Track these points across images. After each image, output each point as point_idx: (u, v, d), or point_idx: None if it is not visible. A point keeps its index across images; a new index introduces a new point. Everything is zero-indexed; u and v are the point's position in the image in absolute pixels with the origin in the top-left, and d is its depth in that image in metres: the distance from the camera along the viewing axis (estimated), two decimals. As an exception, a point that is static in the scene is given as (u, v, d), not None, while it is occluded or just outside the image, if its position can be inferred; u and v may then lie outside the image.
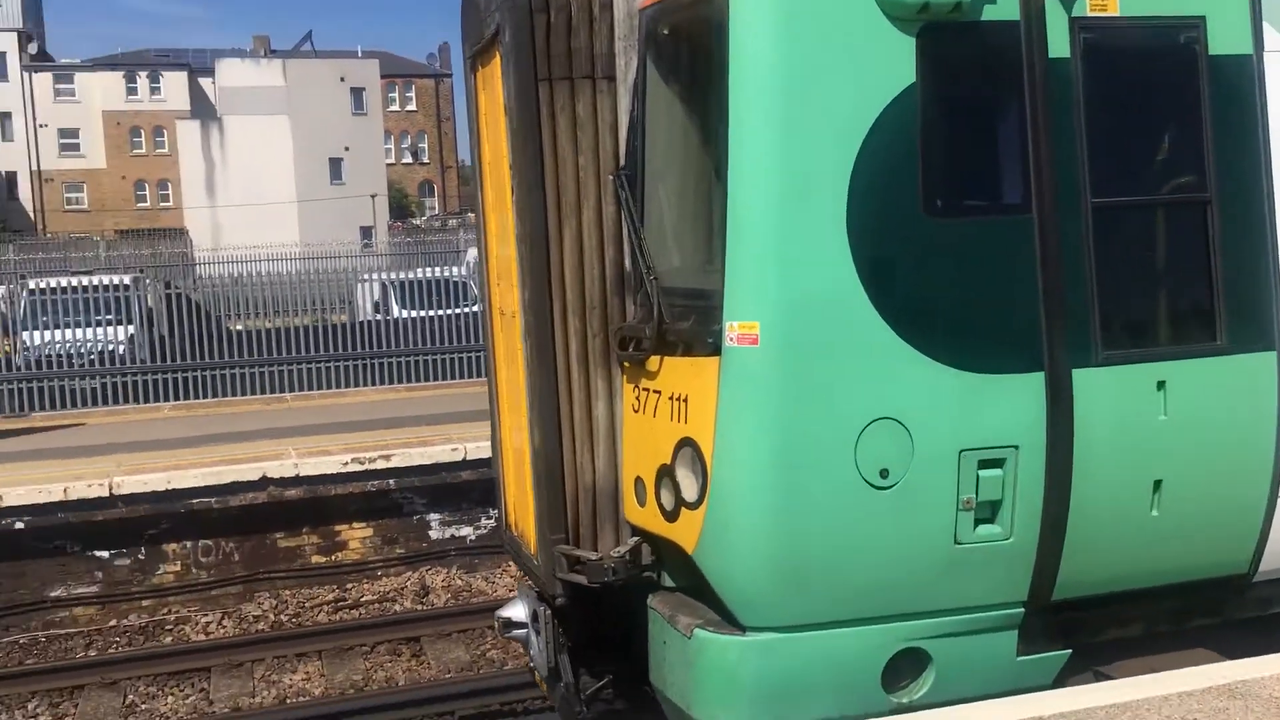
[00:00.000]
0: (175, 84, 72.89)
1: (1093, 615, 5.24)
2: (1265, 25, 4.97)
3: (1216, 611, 5.50)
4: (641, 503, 5.28)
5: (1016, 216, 4.86)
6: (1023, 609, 5.09)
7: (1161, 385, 4.97)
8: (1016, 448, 4.86)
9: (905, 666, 5.05)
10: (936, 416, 4.78)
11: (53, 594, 11.18)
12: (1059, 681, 5.15)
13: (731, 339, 4.68)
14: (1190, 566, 5.23)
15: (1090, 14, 4.86)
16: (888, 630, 4.98)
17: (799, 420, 4.74)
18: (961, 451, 4.81)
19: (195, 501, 11.44)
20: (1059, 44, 4.85)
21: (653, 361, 5.08)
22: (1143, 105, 5.14)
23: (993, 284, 4.86)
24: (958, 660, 5.06)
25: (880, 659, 4.99)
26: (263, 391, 17.82)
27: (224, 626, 10.97)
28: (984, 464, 4.86)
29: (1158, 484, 5.01)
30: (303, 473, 11.71)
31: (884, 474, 4.78)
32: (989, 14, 4.76)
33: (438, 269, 23.01)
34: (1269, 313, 5.06)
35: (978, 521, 4.90)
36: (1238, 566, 5.29)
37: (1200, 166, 5.02)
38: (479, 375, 16.50)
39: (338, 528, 12.05)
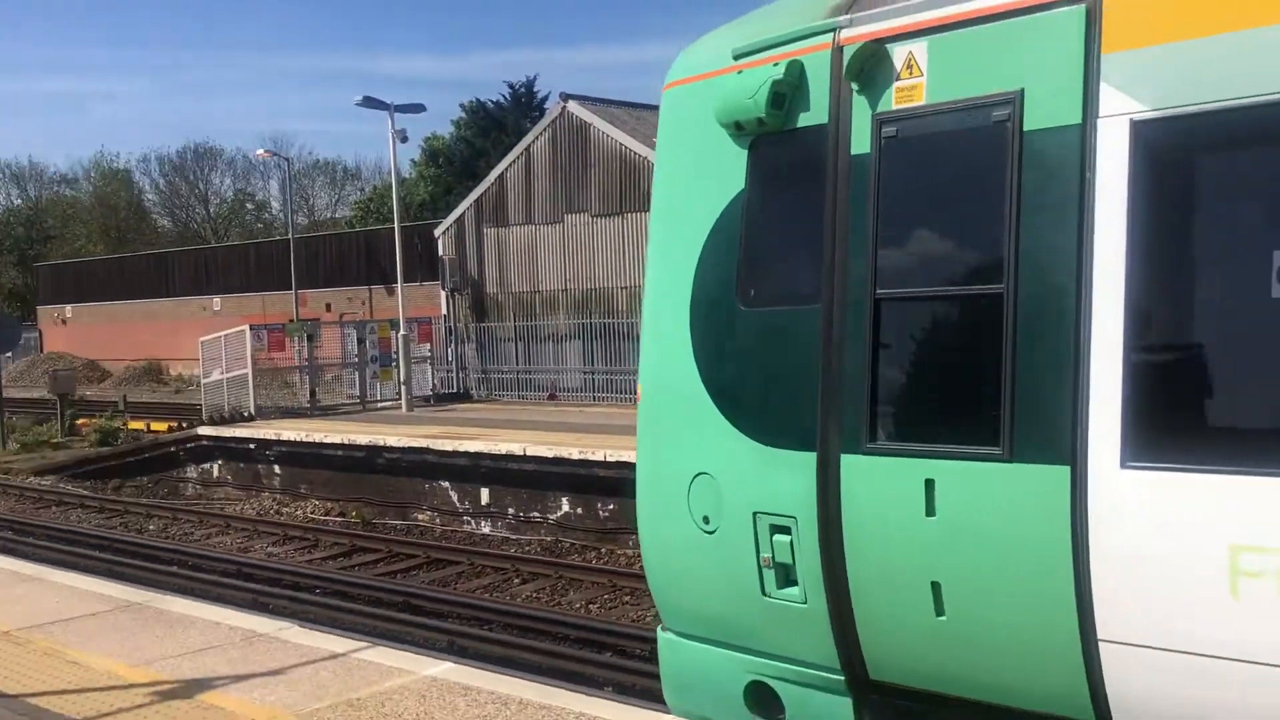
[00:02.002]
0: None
1: (929, 711, 5.10)
2: (1103, 87, 4.37)
3: None
4: None
5: (807, 307, 5.14)
6: (843, 678, 5.23)
7: (930, 484, 4.74)
8: (795, 518, 5.16)
9: (773, 699, 5.46)
10: (737, 479, 5.34)
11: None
12: None
13: (637, 397, 5.87)
14: (1012, 691, 4.78)
15: (894, 108, 4.89)
16: (739, 659, 5.50)
17: (655, 463, 5.75)
18: (755, 513, 5.27)
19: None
20: (861, 141, 4.97)
21: None
22: (941, 194, 4.91)
23: (783, 367, 5.25)
24: (804, 709, 5.41)
25: (738, 681, 5.53)
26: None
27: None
28: (775, 529, 5.24)
29: (936, 586, 4.78)
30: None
31: (706, 520, 5.46)
32: (804, 120, 5.16)
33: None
34: (1064, 421, 4.38)
35: (780, 581, 5.26)
36: (1077, 710, 4.55)
37: (998, 256, 4.58)
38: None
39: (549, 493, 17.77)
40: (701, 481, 5.50)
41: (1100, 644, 4.37)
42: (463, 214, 32.50)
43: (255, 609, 11.52)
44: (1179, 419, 4.28)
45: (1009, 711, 4.81)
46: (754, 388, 5.40)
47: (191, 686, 6.67)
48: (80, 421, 31.02)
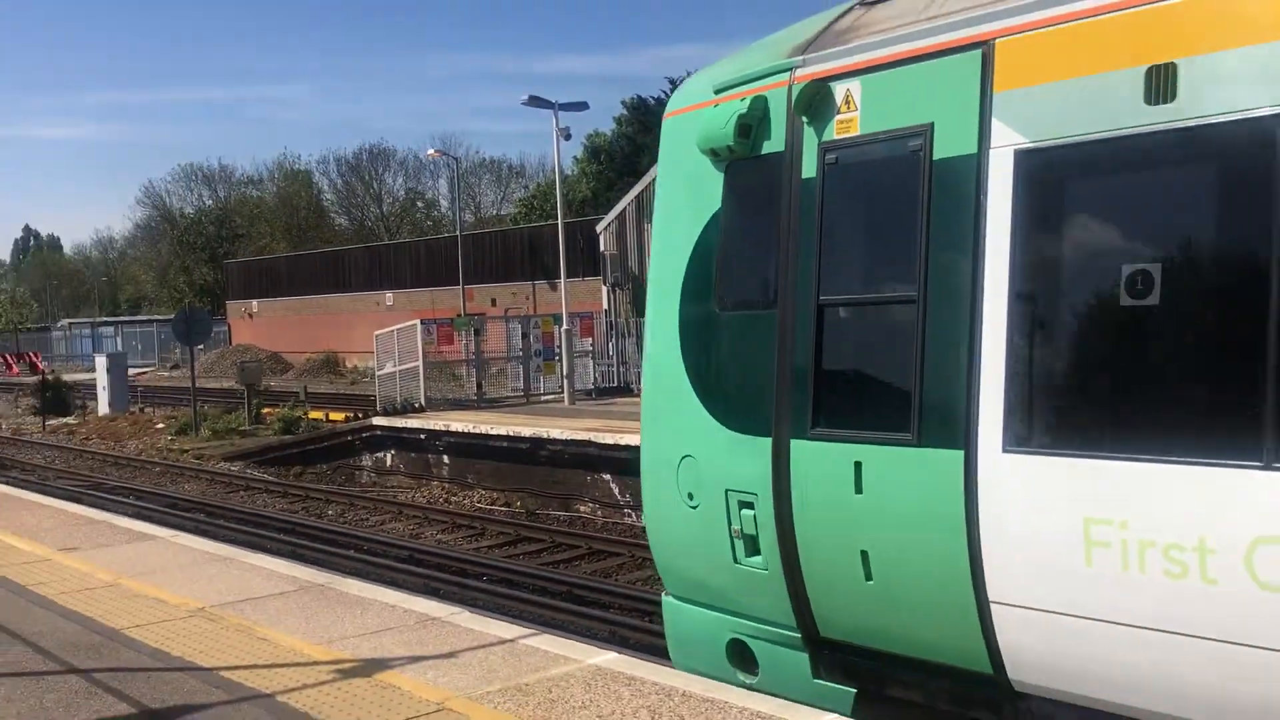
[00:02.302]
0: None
1: (869, 665, 5.86)
2: (995, 123, 5.01)
3: (996, 710, 5.43)
4: None
5: (766, 311, 5.99)
6: (800, 635, 6.07)
7: (858, 465, 5.47)
8: (757, 495, 5.98)
9: (749, 655, 6.41)
10: (713, 460, 6.23)
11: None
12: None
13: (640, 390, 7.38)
14: (929, 647, 5.52)
15: (835, 137, 5.66)
16: (721, 619, 6.52)
17: (652, 447, 6.77)
18: (727, 490, 6.16)
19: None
20: (809, 167, 5.76)
21: None
22: (872, 213, 5.65)
23: (749, 363, 6.16)
24: (772, 662, 6.31)
25: (721, 639, 6.51)
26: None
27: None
28: (742, 504, 6.08)
29: (865, 554, 5.52)
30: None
31: (691, 496, 6.40)
32: (766, 148, 6.06)
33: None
34: (960, 411, 5.07)
35: (747, 550, 6.14)
36: (978, 664, 5.29)
37: (913, 268, 5.27)
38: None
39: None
40: (687, 463, 6.44)
41: (992, 605, 5.07)
42: (623, 210, 32.85)
43: (427, 593, 11.97)
44: (1045, 409, 4.98)
45: (931, 665, 5.58)
46: (726, 381, 6.34)
47: (370, 666, 6.98)
48: (265, 410, 32.75)
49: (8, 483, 19.11)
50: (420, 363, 26.57)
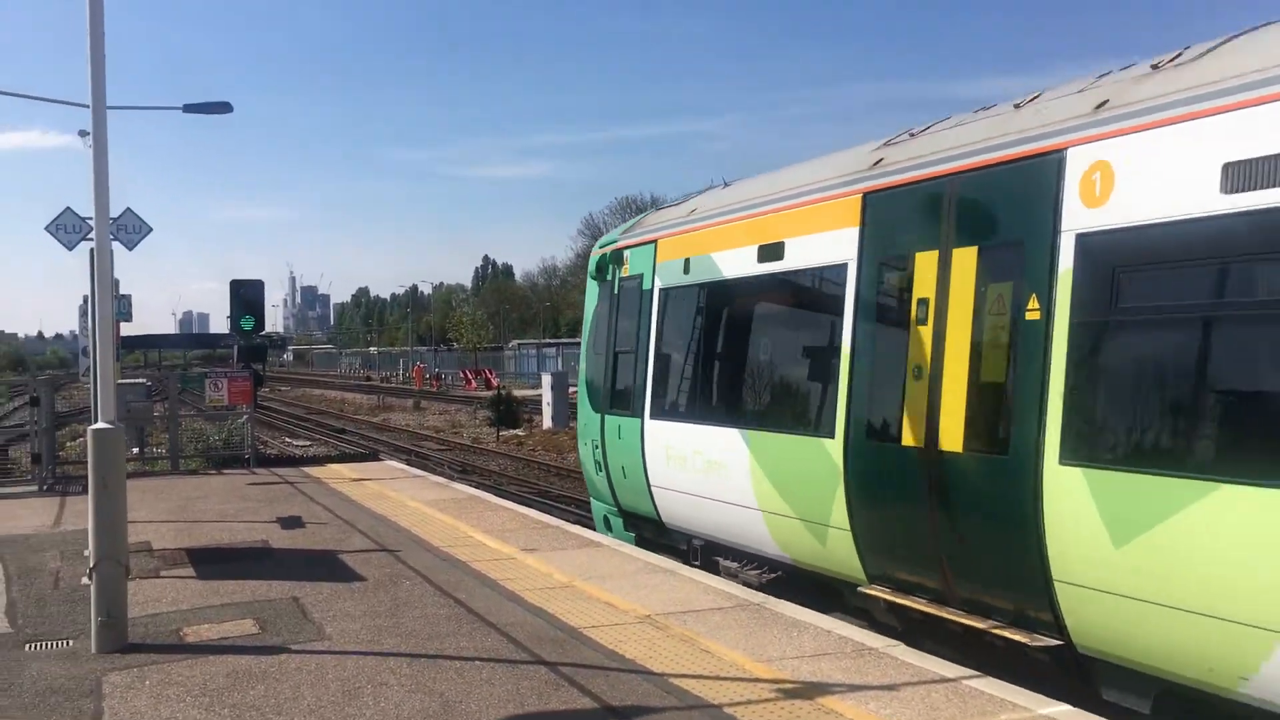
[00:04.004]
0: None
1: (640, 523, 13.71)
2: (656, 276, 12.99)
3: (660, 532, 13.28)
4: None
5: (634, 353, 13.29)
6: (617, 509, 14.16)
7: (616, 426, 13.56)
8: (599, 442, 14.14)
9: (609, 523, 14.69)
10: (591, 425, 14.46)
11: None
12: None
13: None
14: (640, 509, 13.47)
15: (622, 275, 13.94)
16: (598, 505, 15.09)
17: (580, 420, 15.44)
18: (592, 440, 14.48)
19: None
20: (616, 290, 14.07)
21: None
22: (629, 311, 13.62)
23: (594, 382, 14.54)
24: (614, 526, 14.40)
25: (599, 515, 15.09)
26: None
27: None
28: (595, 446, 14.28)
29: (621, 467, 13.56)
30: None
31: (589, 444, 14.70)
32: (608, 278, 14.32)
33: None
34: (641, 399, 13.03)
35: (598, 470, 14.31)
36: (651, 513, 13.22)
37: (638, 337, 13.31)
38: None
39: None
40: (586, 427, 14.78)
41: (652, 487, 12.68)
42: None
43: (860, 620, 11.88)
44: (659, 398, 12.63)
45: (639, 518, 13.63)
46: (589, 390, 14.66)
47: (810, 689, 7.05)
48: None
49: (474, 486, 21.37)
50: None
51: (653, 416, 12.58)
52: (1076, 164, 7.30)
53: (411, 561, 11.46)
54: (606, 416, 13.79)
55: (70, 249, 18.04)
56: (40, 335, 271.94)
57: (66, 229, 17.85)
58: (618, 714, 6.62)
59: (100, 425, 8.43)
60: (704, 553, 12.16)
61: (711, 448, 11.35)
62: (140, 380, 23.96)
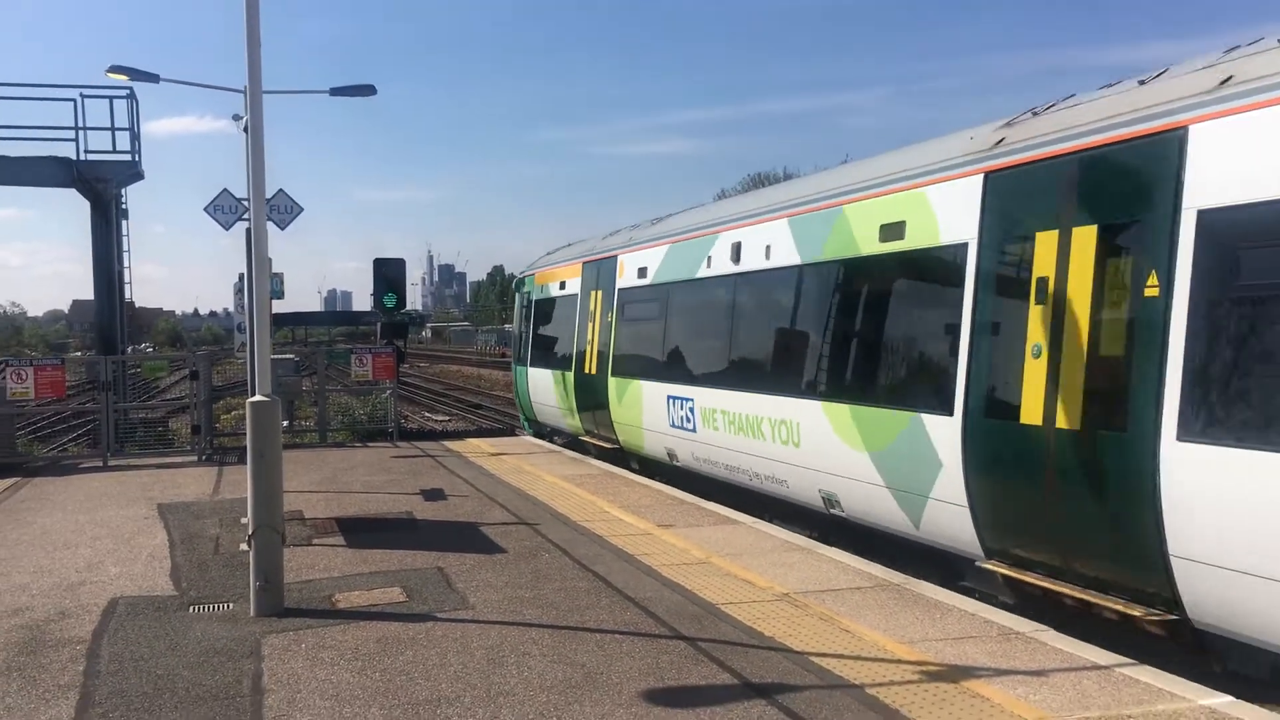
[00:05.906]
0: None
1: (539, 426, 24.60)
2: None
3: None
4: None
5: (521, 335, 26.01)
6: (529, 421, 25.29)
7: (556, 376, 21.78)
8: (523, 389, 25.06)
9: (525, 429, 25.97)
10: (522, 376, 24.98)
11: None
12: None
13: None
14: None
15: (535, 287, 24.68)
16: (525, 421, 26.16)
17: (515, 375, 26.48)
18: (517, 381, 26.25)
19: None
20: (533, 300, 24.75)
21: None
22: (545, 314, 23.62)
23: (521, 348, 26.07)
24: (531, 431, 25.33)
25: (527, 426, 25.91)
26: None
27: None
28: (519, 392, 25.87)
29: (528, 395, 24.43)
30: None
31: (518, 383, 26.01)
32: (526, 289, 25.41)
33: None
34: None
35: (523, 400, 25.22)
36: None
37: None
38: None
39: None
40: (518, 377, 25.57)
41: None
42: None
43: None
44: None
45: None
46: (519, 353, 25.49)
47: (955, 672, 6.91)
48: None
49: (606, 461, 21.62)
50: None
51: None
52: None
53: (550, 535, 11.64)
54: (530, 369, 24.14)
55: (227, 229, 18.77)
56: (196, 312, 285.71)
57: (224, 210, 18.58)
58: (758, 690, 6.61)
59: (258, 398, 8.79)
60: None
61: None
62: (289, 355, 24.92)
